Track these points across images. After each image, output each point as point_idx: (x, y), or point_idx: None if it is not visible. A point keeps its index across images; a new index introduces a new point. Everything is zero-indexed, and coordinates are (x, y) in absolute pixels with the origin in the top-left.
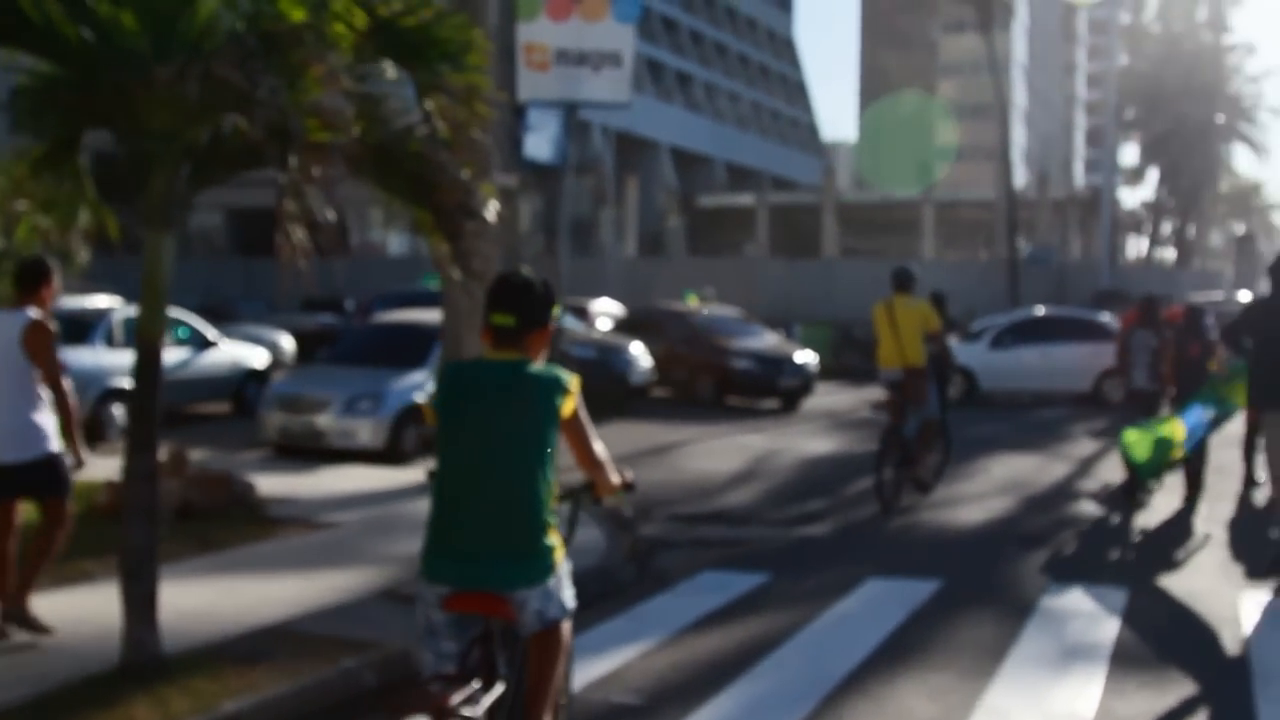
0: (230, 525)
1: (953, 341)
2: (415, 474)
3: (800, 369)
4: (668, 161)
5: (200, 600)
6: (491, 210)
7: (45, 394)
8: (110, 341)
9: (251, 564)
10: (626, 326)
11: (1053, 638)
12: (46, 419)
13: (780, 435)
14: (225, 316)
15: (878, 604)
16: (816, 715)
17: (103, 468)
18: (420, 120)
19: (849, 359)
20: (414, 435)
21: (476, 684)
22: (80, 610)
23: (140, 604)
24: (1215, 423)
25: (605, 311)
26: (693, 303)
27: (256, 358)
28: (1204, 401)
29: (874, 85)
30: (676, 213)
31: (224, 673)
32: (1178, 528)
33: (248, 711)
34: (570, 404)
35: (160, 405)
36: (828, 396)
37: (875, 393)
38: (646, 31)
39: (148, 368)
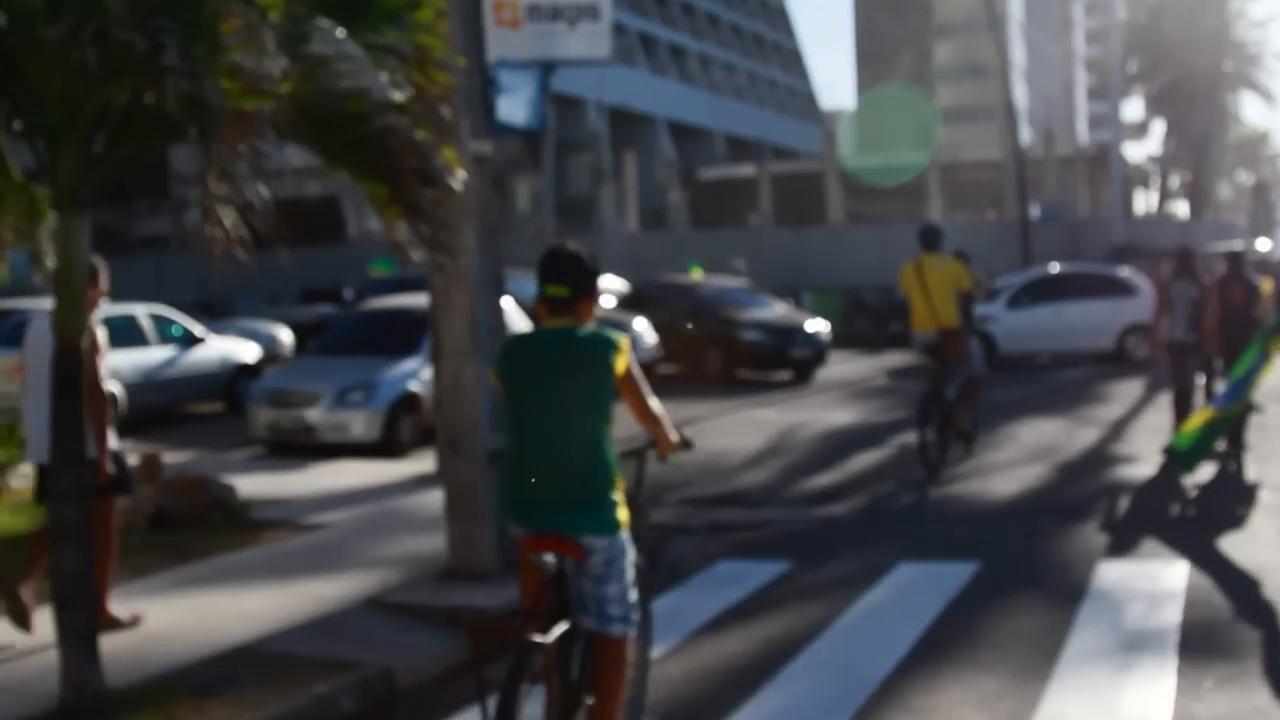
0: (208, 533)
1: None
2: (413, 466)
3: (812, 338)
4: (666, 135)
5: (166, 619)
6: (457, 178)
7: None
8: None
9: (227, 575)
10: (630, 302)
11: (1110, 626)
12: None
13: (795, 408)
14: (222, 311)
15: (911, 592)
16: None
17: None
18: (375, 85)
19: (861, 326)
20: (410, 425)
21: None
22: (37, 637)
23: (77, 637)
24: (1250, 376)
25: (608, 288)
26: (697, 275)
27: (247, 352)
28: (1253, 352)
29: (870, 49)
30: (677, 186)
31: (177, 710)
32: (1227, 492)
33: None
34: (623, 361)
35: (152, 405)
36: (842, 365)
37: (891, 359)
38: (638, 5)
39: (70, 372)
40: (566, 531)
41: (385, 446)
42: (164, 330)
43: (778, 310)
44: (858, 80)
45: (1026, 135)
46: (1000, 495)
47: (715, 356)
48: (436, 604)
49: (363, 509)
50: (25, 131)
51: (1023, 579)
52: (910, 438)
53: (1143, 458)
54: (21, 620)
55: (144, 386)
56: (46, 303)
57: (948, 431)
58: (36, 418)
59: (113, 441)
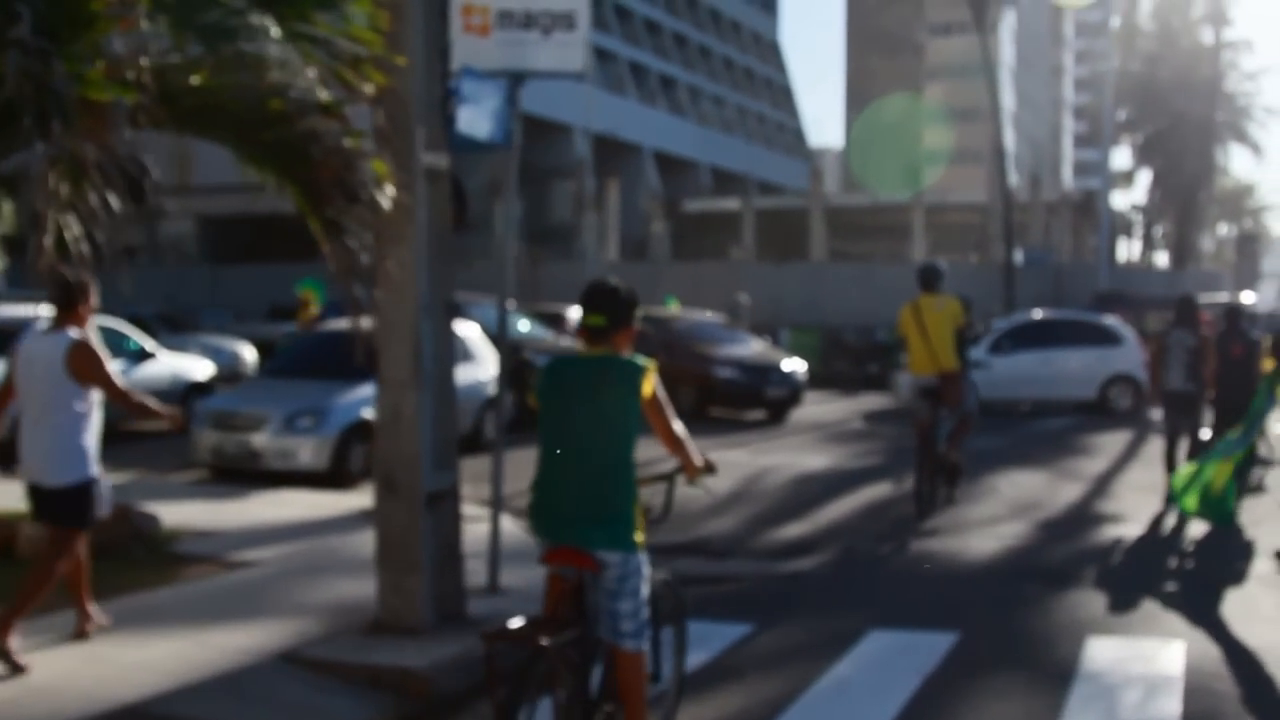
0: (124, 567)
1: None
2: (361, 499)
3: (788, 377)
4: (652, 165)
5: (56, 669)
6: (386, 193)
7: (91, 416)
8: None
9: (134, 618)
10: None
11: (1103, 716)
12: (90, 442)
13: (766, 450)
14: (185, 326)
15: (882, 668)
16: None
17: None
18: (301, 82)
19: (839, 366)
20: (362, 455)
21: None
22: None
23: None
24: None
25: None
26: (674, 308)
27: (199, 369)
28: (1260, 399)
29: (861, 89)
30: (660, 217)
31: None
32: (1221, 557)
33: None
34: (649, 383)
35: None
36: (817, 406)
37: (868, 401)
38: (630, 34)
39: None
40: (583, 545)
41: (334, 476)
42: (115, 344)
43: (754, 347)
44: (847, 119)
45: (1014, 179)
46: (980, 555)
47: (688, 393)
48: (357, 661)
49: (298, 545)
50: None
51: (1005, 654)
52: (884, 488)
53: (1130, 517)
54: (15, 668)
55: None
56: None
57: (939, 477)
58: (30, 436)
59: (94, 469)
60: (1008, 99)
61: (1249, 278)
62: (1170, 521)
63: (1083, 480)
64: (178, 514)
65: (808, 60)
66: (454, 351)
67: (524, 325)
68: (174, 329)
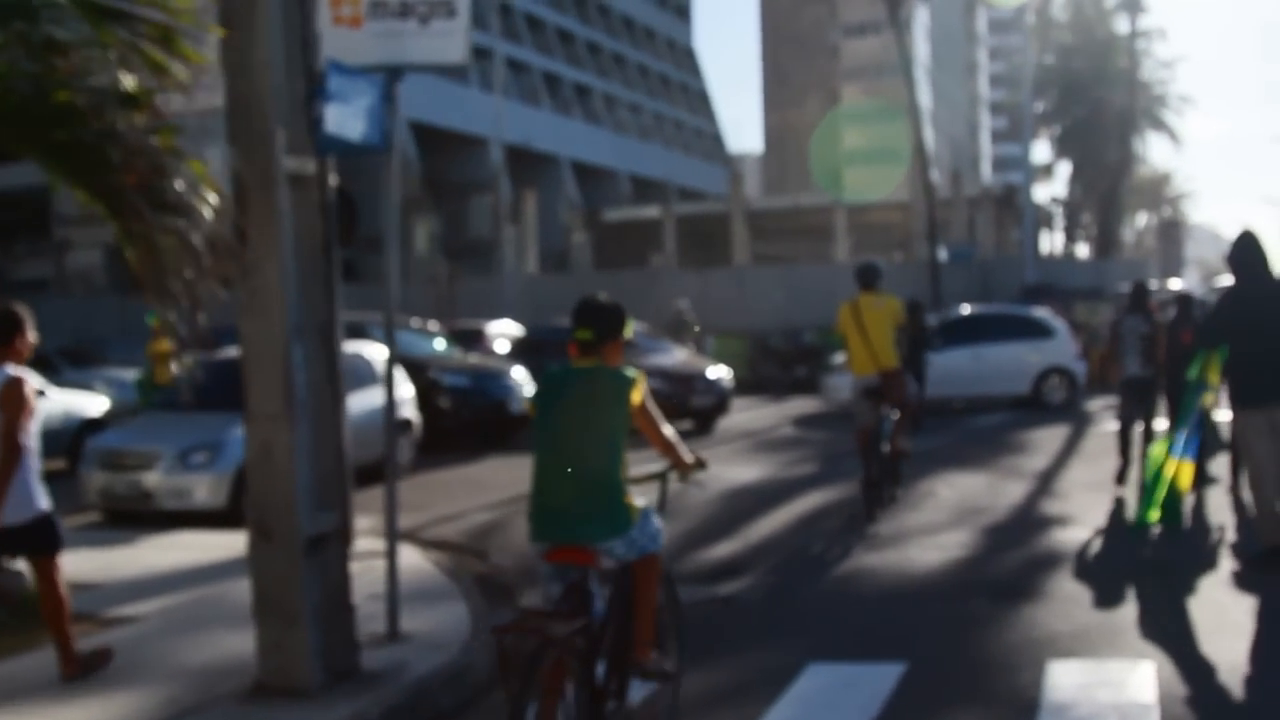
0: None
1: None
2: None
3: (714, 385)
4: (570, 176)
5: None
6: (206, 201)
7: (32, 449)
8: None
9: None
10: (521, 349)
11: None
12: (32, 477)
13: None
14: (90, 359)
15: (825, 707)
16: None
17: None
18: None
19: (767, 371)
20: None
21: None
22: None
23: None
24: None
25: (504, 333)
26: None
27: (93, 405)
28: (1194, 388)
29: (777, 93)
30: (581, 227)
31: None
32: (1184, 562)
33: None
34: (638, 394)
35: None
36: (746, 414)
37: (797, 406)
38: (542, 44)
39: None
40: (584, 541)
41: (233, 515)
42: None
43: (677, 356)
44: (765, 123)
45: (935, 176)
46: (923, 569)
47: None
48: None
49: (184, 595)
50: None
51: (959, 686)
52: (818, 497)
53: (1079, 518)
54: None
55: None
56: None
57: (886, 479)
58: None
59: (44, 501)
60: (925, 97)
61: (1174, 264)
62: (1122, 521)
63: (1025, 479)
64: None
65: (724, 65)
66: (339, 377)
67: (439, 344)
68: (77, 363)
